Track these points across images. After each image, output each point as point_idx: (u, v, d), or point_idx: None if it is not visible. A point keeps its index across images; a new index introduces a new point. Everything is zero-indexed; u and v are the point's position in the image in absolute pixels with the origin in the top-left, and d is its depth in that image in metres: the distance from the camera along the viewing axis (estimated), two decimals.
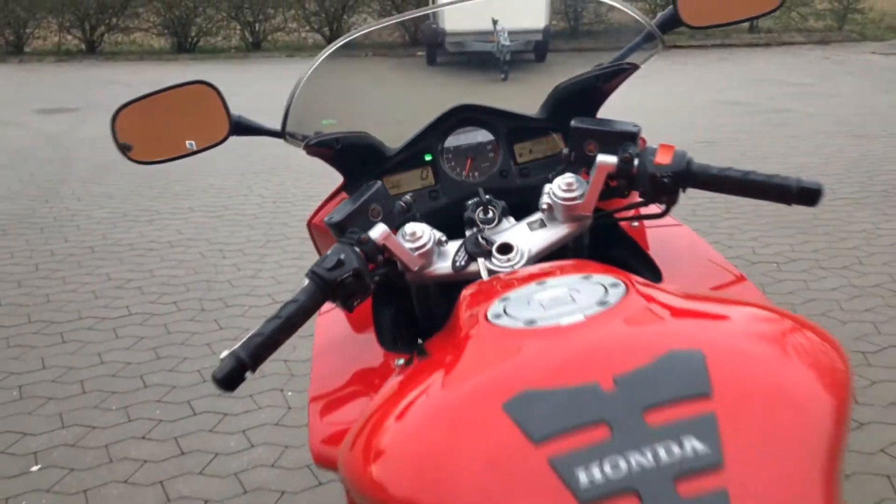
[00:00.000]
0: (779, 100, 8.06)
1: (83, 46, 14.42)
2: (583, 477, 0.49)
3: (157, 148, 1.13)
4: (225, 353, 0.88)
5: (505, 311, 0.70)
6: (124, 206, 4.87)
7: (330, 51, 1.14)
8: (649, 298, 0.66)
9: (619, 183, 0.99)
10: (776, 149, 5.83)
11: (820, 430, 0.53)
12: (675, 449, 0.50)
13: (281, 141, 1.24)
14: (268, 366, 2.68)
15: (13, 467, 2.23)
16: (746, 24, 14.39)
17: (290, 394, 2.58)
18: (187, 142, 1.18)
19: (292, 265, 3.75)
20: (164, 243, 4.14)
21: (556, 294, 0.70)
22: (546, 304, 0.69)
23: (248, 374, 0.87)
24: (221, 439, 2.34)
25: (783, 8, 13.08)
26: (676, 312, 0.65)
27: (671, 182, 0.95)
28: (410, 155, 1.16)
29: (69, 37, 14.51)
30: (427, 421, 0.60)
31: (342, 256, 0.90)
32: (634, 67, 1.13)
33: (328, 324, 1.14)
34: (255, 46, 14.50)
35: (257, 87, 8.89)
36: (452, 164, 1.16)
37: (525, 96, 1.25)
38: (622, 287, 0.69)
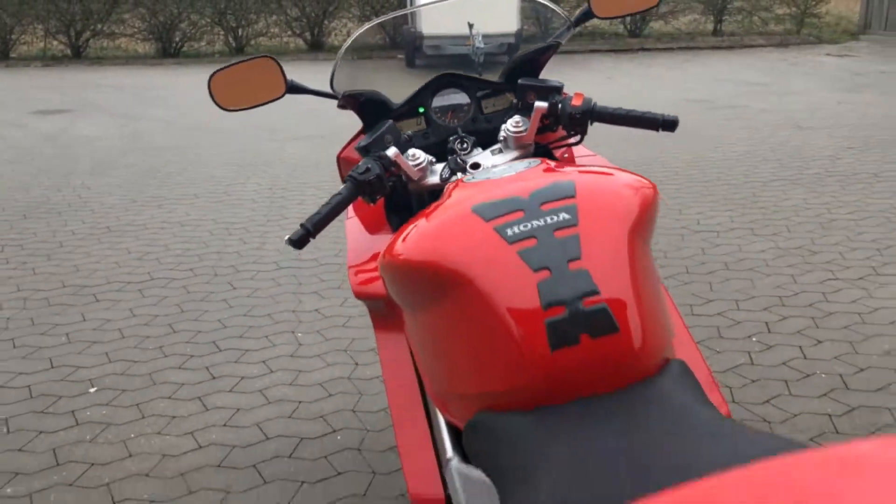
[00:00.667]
0: (736, 97, 8.67)
1: (69, 52, 14.76)
2: (509, 231, 0.99)
3: (236, 101, 1.60)
4: (287, 236, 1.37)
5: (472, 178, 1.20)
6: (132, 194, 5.32)
7: (349, 43, 1.63)
8: (549, 165, 1.17)
9: (550, 120, 1.49)
10: (727, 139, 6.40)
11: (632, 215, 1.03)
12: (556, 218, 0.99)
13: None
14: (280, 314, 3.19)
15: (73, 390, 2.69)
16: (711, 28, 15.08)
17: (300, 335, 3.06)
18: (231, 104, 1.65)
19: None
20: (175, 223, 4.60)
21: (502, 169, 1.21)
22: (496, 173, 1.19)
23: (311, 239, 1.36)
24: (245, 367, 2.82)
25: (745, 13, 13.60)
26: (565, 170, 1.15)
27: (581, 118, 1.45)
28: (409, 108, 1.65)
29: (55, 42, 14.84)
30: (429, 222, 1.09)
31: (369, 166, 1.40)
32: (558, 45, 1.63)
33: (353, 226, 1.64)
34: (238, 51, 14.93)
35: None
36: (439, 115, 1.65)
37: None
38: (538, 161, 1.19)
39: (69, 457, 2.30)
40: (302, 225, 1.34)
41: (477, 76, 1.68)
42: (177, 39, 14.90)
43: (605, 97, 9.38)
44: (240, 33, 15.01)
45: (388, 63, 2.24)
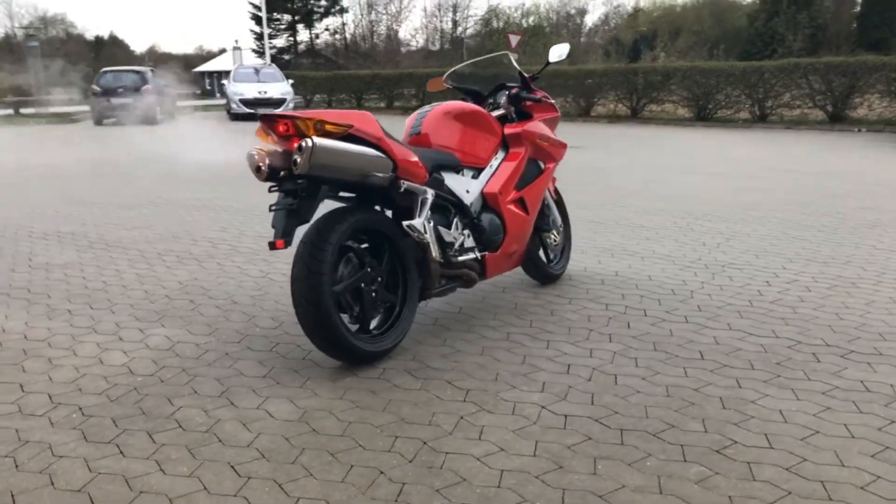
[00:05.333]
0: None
1: (628, 112, 18.91)
2: None
3: (435, 87, 4.49)
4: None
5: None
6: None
7: (453, 70, 4.37)
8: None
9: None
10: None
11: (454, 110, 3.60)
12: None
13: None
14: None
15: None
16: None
17: None
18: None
19: None
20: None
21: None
22: None
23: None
24: None
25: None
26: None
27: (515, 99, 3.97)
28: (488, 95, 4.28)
29: (620, 105, 19.20)
30: None
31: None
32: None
33: None
34: (760, 119, 16.81)
35: (758, 149, 11.68)
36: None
37: None
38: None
39: None
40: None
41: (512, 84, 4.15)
42: (710, 106, 17.61)
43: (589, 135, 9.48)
44: (766, 104, 16.85)
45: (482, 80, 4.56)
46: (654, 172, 8.98)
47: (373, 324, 3.11)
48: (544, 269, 4.07)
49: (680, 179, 8.36)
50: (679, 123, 17.63)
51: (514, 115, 3.89)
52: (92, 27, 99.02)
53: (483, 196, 3.53)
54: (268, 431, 2.44)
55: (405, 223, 3.01)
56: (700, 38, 37.56)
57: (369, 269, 2.98)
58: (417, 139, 3.44)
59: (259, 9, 50.18)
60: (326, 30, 52.32)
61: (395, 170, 2.99)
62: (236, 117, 20.73)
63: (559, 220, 4.17)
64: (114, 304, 3.85)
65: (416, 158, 3.10)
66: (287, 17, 50.88)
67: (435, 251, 3.17)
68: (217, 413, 2.58)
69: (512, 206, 3.60)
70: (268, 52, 30.69)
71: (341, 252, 2.95)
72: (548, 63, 4.05)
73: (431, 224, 3.18)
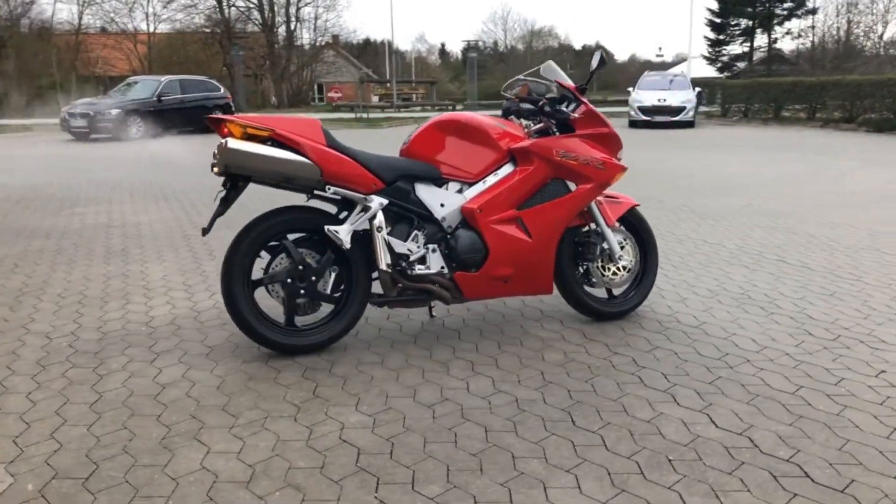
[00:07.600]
0: None
1: None
2: None
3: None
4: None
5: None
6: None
7: (508, 82, 4.10)
8: None
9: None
10: None
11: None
12: None
13: None
14: None
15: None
16: None
17: None
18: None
19: None
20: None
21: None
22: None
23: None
24: None
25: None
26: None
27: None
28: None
29: None
30: None
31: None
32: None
33: None
34: None
35: None
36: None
37: None
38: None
39: None
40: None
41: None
42: None
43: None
44: None
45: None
46: None
47: (309, 320, 3.28)
48: (590, 305, 3.63)
49: None
50: None
51: (554, 130, 3.56)
52: (580, 38, 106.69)
53: (461, 212, 3.35)
54: (155, 389, 2.86)
55: (326, 227, 3.09)
56: None
57: (300, 267, 3.15)
58: (406, 149, 3.45)
59: (716, 14, 49.09)
60: (788, 33, 48.35)
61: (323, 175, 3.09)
62: (633, 125, 20.72)
63: (618, 251, 3.64)
64: None
65: (355, 166, 3.14)
66: (745, 22, 48.32)
67: (383, 261, 3.18)
68: (158, 362, 3.14)
69: (500, 226, 3.33)
70: (689, 60, 29.88)
71: (280, 247, 3.18)
72: (592, 73, 3.62)
73: (382, 232, 3.19)
